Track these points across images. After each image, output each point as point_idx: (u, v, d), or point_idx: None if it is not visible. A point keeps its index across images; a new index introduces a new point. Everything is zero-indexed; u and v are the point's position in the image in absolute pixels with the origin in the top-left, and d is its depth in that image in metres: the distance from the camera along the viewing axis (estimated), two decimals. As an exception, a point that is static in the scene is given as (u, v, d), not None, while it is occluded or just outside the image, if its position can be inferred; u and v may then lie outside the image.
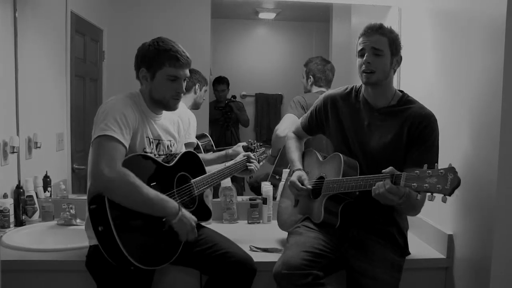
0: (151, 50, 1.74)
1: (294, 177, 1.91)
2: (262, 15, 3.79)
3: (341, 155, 1.82)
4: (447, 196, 1.43)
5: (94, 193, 1.59)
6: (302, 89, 2.84)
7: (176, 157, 1.83)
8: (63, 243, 1.98)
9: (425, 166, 1.48)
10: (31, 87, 2.39)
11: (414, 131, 1.74)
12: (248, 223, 2.46)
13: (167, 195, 1.69)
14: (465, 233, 1.86)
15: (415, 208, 1.73)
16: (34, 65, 2.43)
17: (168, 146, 1.87)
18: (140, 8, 3.10)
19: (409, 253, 1.90)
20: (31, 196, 2.30)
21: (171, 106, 1.80)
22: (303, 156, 2.08)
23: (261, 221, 2.47)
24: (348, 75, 2.76)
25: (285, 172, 2.48)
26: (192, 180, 1.84)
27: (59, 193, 2.47)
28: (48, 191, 2.45)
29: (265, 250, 1.99)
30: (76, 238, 1.99)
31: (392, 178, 1.55)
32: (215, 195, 2.50)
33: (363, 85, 1.85)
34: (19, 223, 2.24)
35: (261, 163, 2.24)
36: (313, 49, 3.77)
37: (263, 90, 3.92)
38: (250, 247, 1.99)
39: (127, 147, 1.65)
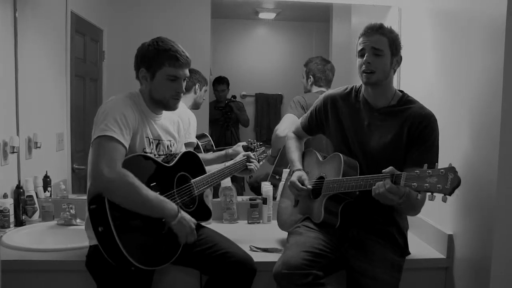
0: (150, 50, 1.74)
1: (294, 177, 1.91)
2: (262, 15, 3.79)
3: (341, 155, 1.82)
4: (447, 196, 1.43)
5: (94, 193, 1.59)
6: (302, 89, 2.84)
7: (176, 157, 1.83)
8: (63, 243, 1.98)
9: (425, 166, 1.48)
10: (31, 87, 2.39)
11: (414, 131, 1.74)
12: (248, 223, 2.46)
13: (167, 195, 1.69)
14: (465, 233, 1.86)
15: (415, 208, 1.73)
16: (34, 65, 2.43)
17: (168, 146, 1.87)
18: (140, 8, 3.10)
19: (409, 253, 1.90)
20: (31, 196, 2.30)
21: (171, 106, 1.80)
22: (303, 156, 2.08)
23: (261, 221, 2.47)
24: (348, 75, 2.76)
25: (285, 172, 2.48)
26: (192, 180, 1.84)
27: (59, 193, 2.47)
28: (48, 191, 2.45)
29: (265, 250, 1.99)
30: (76, 238, 1.99)
31: (392, 177, 1.55)
32: (215, 195, 2.50)
33: (363, 85, 1.85)
34: (19, 223, 2.24)
35: (261, 163, 2.24)
36: (313, 49, 3.77)
37: (263, 90, 3.92)
38: (250, 247, 1.99)
39: (127, 147, 1.65)
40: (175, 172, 1.79)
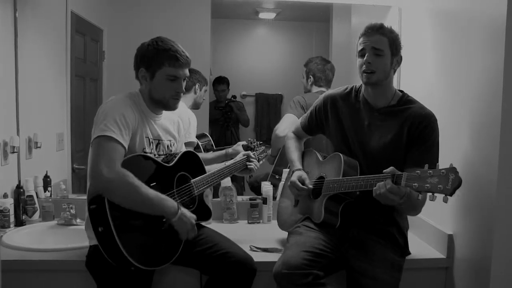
0: (150, 50, 1.74)
1: (294, 177, 1.91)
2: (262, 15, 3.79)
3: (341, 155, 1.82)
4: (448, 196, 1.43)
5: (94, 193, 1.59)
6: (302, 89, 2.84)
7: (176, 157, 1.83)
8: (63, 243, 1.98)
9: (426, 166, 1.48)
10: (31, 87, 2.39)
11: (414, 131, 1.74)
12: (248, 223, 2.46)
13: (167, 195, 1.69)
14: (465, 233, 1.86)
15: (416, 208, 1.73)
16: (34, 65, 2.43)
17: (168, 146, 1.87)
18: (140, 8, 3.10)
19: (409, 253, 1.90)
20: (31, 196, 2.30)
21: (170, 106, 1.80)
22: (303, 156, 2.08)
23: (261, 221, 2.47)
24: (348, 75, 2.76)
25: (285, 172, 2.48)
26: (192, 180, 1.84)
27: (59, 193, 2.47)
28: (48, 191, 2.45)
29: (265, 250, 1.99)
30: (76, 238, 1.99)
31: (393, 178, 1.55)
32: (215, 195, 2.50)
33: (363, 85, 1.85)
34: (19, 223, 2.24)
35: (261, 162, 2.24)
36: (313, 49, 3.77)
37: (263, 90, 3.92)
38: (250, 247, 1.99)
39: (126, 147, 1.65)
40: (175, 172, 1.79)
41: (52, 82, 2.61)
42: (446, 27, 2.05)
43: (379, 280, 1.72)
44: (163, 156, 1.83)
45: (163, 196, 1.65)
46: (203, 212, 1.88)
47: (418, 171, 1.49)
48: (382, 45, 1.73)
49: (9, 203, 2.18)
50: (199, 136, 2.62)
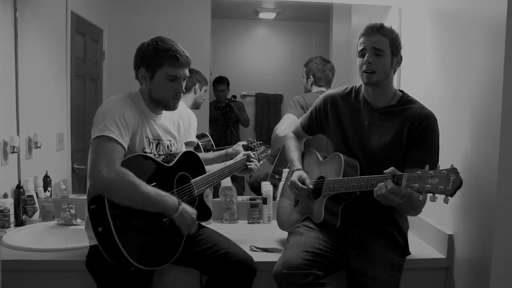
0: (150, 49, 1.74)
1: (294, 177, 1.91)
2: (262, 15, 3.79)
3: (341, 155, 1.82)
4: (449, 197, 1.43)
5: (93, 193, 1.59)
6: (302, 89, 2.84)
7: (176, 157, 1.83)
8: (63, 243, 1.98)
9: (427, 166, 1.48)
10: (31, 87, 2.39)
11: (414, 131, 1.74)
12: (248, 223, 2.46)
13: (167, 195, 1.69)
14: (465, 233, 1.86)
15: (416, 208, 1.73)
16: (34, 65, 2.43)
17: (168, 146, 1.87)
18: (140, 8, 3.10)
19: (409, 253, 1.90)
20: (31, 196, 2.30)
21: (170, 106, 1.80)
22: (303, 156, 2.08)
23: (261, 221, 2.47)
24: (348, 75, 2.76)
25: (285, 172, 2.48)
26: (192, 180, 1.84)
27: (59, 193, 2.47)
28: (48, 191, 2.45)
29: (265, 250, 1.99)
30: (76, 238, 1.99)
31: (393, 178, 1.55)
32: (215, 195, 2.50)
33: (363, 85, 1.85)
34: (19, 223, 2.24)
35: (261, 162, 2.24)
36: (313, 49, 3.77)
37: (263, 90, 3.92)
38: (250, 247, 1.99)
39: (126, 148, 1.65)
40: (175, 172, 1.79)
41: (52, 82, 2.61)
42: (446, 27, 2.05)
43: (379, 280, 1.72)
44: (163, 156, 1.83)
45: (163, 193, 1.65)
46: (203, 212, 1.88)
47: (419, 172, 1.49)
48: (383, 45, 1.73)
49: (9, 203, 2.18)
50: (199, 136, 2.62)
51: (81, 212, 2.10)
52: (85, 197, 1.68)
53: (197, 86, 2.66)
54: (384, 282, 1.72)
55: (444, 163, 1.53)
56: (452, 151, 1.85)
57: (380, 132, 1.80)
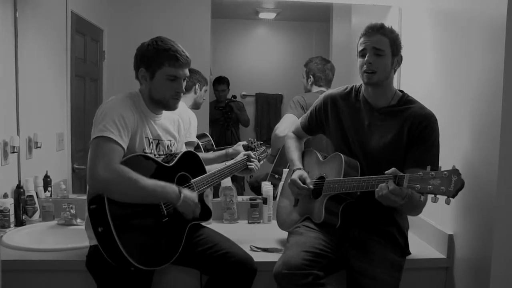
0: (150, 49, 1.74)
1: (295, 176, 1.91)
2: (262, 15, 3.79)
3: (342, 155, 1.82)
4: (450, 198, 1.43)
5: (93, 193, 1.59)
6: (302, 89, 2.84)
7: (176, 157, 1.83)
8: (63, 243, 1.98)
9: (428, 167, 1.48)
10: (31, 87, 2.39)
11: (414, 131, 1.74)
12: (249, 223, 2.46)
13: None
14: (465, 233, 1.86)
15: (417, 209, 1.73)
16: (34, 65, 2.43)
17: (168, 146, 1.87)
18: (140, 8, 3.10)
19: (409, 253, 1.90)
20: (31, 196, 2.30)
21: (170, 106, 1.80)
22: (303, 156, 2.08)
23: (261, 221, 2.47)
24: (348, 75, 2.76)
25: (285, 171, 2.48)
26: (192, 180, 1.84)
27: (59, 193, 2.47)
28: (49, 191, 2.45)
29: (265, 250, 1.99)
30: (76, 238, 1.99)
31: (395, 179, 1.55)
32: (215, 195, 2.50)
33: (363, 85, 1.85)
34: (19, 223, 2.24)
35: (261, 162, 2.24)
36: (313, 49, 3.77)
37: (263, 90, 3.92)
38: (250, 247, 1.99)
39: (125, 148, 1.65)
40: (175, 172, 1.79)
41: (52, 82, 2.61)
42: (446, 27, 2.05)
43: (379, 280, 1.72)
44: (163, 156, 1.83)
45: (163, 183, 1.66)
46: (203, 212, 1.88)
47: (420, 173, 1.48)
48: (383, 45, 1.73)
49: (9, 203, 2.18)
50: (199, 136, 2.62)
51: (81, 212, 2.10)
52: (85, 197, 1.68)
53: (197, 86, 2.66)
54: (384, 282, 1.72)
55: (444, 163, 1.53)
56: (452, 151, 1.85)
57: (380, 132, 1.80)
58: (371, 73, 1.75)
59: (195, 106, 2.70)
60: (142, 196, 1.61)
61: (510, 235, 1.65)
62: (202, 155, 2.03)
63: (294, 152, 2.06)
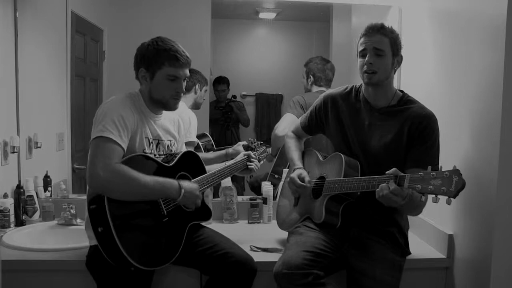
0: (150, 49, 1.74)
1: (294, 174, 1.91)
2: (262, 15, 3.79)
3: (342, 155, 1.82)
4: (451, 199, 1.43)
5: (93, 193, 1.59)
6: (302, 89, 2.84)
7: (176, 157, 1.83)
8: (63, 243, 1.98)
9: (429, 168, 1.48)
10: (31, 87, 2.39)
11: (414, 131, 1.74)
12: (249, 223, 2.46)
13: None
14: (465, 233, 1.86)
15: (418, 209, 1.74)
16: (34, 65, 2.43)
17: (168, 146, 1.87)
18: (140, 8, 3.10)
19: (409, 253, 1.90)
20: (31, 196, 2.30)
21: (171, 106, 1.80)
22: (303, 155, 2.08)
23: (261, 221, 2.47)
24: (348, 75, 2.76)
25: (285, 171, 2.48)
26: (192, 180, 1.84)
27: (59, 193, 2.47)
28: (49, 191, 2.45)
29: (265, 250, 1.99)
30: (76, 238, 1.99)
31: (396, 179, 1.55)
32: (215, 195, 2.50)
33: (363, 85, 1.85)
34: (19, 223, 2.24)
35: (261, 162, 2.24)
36: (313, 49, 3.77)
37: (263, 90, 3.92)
38: (250, 247, 1.99)
39: (125, 148, 1.65)
40: (175, 172, 1.79)
41: (52, 82, 2.61)
42: (446, 27, 2.05)
43: (379, 280, 1.72)
44: (163, 156, 1.83)
45: (162, 179, 1.66)
46: (203, 212, 1.88)
47: (421, 173, 1.48)
48: (383, 46, 1.73)
49: (9, 203, 2.18)
50: (199, 136, 2.62)
51: (81, 212, 2.10)
52: (85, 197, 1.68)
53: (197, 86, 2.66)
54: (384, 282, 1.72)
55: (444, 163, 1.53)
56: (452, 151, 1.85)
57: (381, 132, 1.80)
58: (371, 73, 1.75)
59: (195, 106, 2.70)
60: (143, 194, 1.61)
61: (510, 235, 1.65)
62: (202, 155, 2.03)
63: (294, 151, 2.06)
